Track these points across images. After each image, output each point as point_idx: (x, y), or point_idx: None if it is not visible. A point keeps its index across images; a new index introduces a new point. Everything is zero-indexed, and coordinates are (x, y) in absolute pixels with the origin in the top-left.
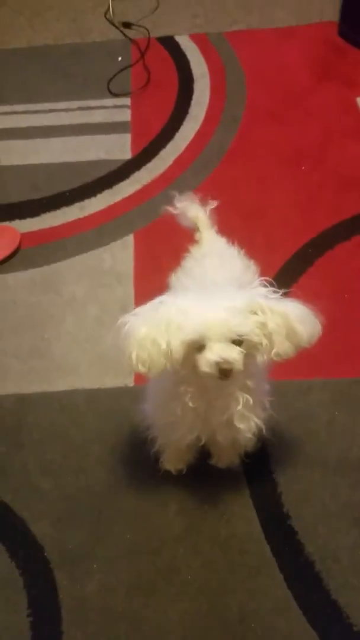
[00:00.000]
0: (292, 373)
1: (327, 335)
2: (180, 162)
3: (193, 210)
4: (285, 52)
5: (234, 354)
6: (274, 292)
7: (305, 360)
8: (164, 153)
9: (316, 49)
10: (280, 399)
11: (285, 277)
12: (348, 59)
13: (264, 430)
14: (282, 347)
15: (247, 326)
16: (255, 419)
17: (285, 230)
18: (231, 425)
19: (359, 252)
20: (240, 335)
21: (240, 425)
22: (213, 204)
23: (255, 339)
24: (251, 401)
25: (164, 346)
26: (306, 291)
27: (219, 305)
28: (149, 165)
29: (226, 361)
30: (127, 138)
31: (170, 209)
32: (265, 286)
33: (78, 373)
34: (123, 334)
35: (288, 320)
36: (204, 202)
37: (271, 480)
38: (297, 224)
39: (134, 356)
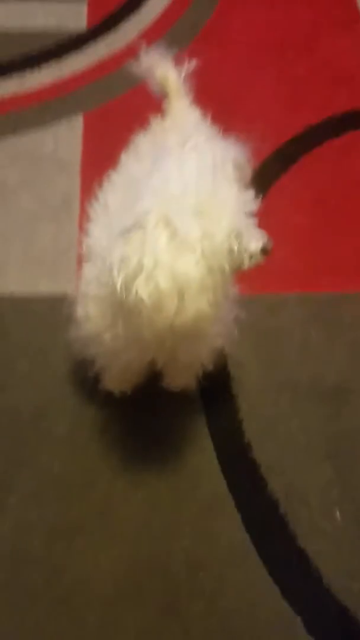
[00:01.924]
0: (263, 286)
1: (308, 244)
2: (144, 38)
3: (162, 69)
4: None
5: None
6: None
7: (279, 271)
8: (126, 26)
9: None
10: (250, 315)
11: (265, 176)
12: None
13: (234, 334)
14: None
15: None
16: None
17: (266, 124)
18: (199, 333)
19: (349, 152)
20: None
21: (212, 330)
22: (190, 65)
23: None
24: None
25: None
26: (287, 193)
27: (226, 187)
28: (107, 38)
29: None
30: (83, 6)
31: (134, 66)
32: None
33: (5, 275)
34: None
35: None
36: (179, 63)
37: (232, 405)
38: (280, 118)
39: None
